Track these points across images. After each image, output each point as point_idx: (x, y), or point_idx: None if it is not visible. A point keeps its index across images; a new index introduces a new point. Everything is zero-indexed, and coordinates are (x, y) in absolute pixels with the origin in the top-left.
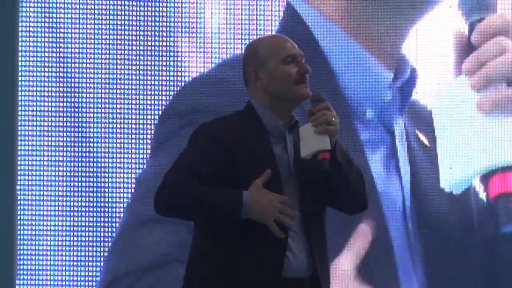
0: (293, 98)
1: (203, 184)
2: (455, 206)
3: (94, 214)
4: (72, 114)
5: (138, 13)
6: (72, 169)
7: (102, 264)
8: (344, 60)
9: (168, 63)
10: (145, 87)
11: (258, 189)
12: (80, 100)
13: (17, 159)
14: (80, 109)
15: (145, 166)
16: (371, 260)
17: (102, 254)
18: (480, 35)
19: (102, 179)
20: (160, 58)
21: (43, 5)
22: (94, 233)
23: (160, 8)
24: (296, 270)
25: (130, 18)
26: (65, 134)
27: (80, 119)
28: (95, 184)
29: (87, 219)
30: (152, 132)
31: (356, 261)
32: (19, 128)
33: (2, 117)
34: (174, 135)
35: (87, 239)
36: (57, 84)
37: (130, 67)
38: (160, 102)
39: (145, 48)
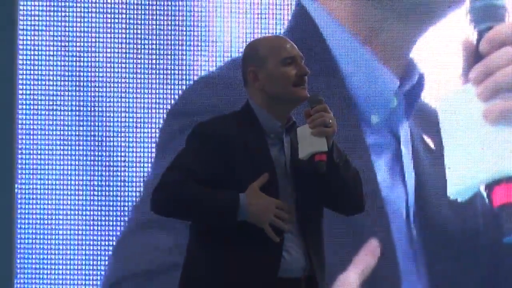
0: (291, 100)
1: (199, 185)
2: (459, 213)
3: (96, 213)
4: (74, 113)
5: (142, 12)
6: (75, 167)
7: (102, 265)
8: (352, 64)
9: (173, 61)
10: (149, 85)
11: (254, 192)
12: (83, 99)
13: (16, 158)
14: (82, 108)
15: (150, 166)
16: (376, 272)
17: (104, 254)
18: (488, 44)
19: (106, 178)
20: (165, 57)
21: (45, 3)
22: (95, 234)
23: (165, 7)
24: (292, 270)
25: (135, 17)
26: (66, 133)
27: (82, 118)
28: (97, 183)
29: (89, 217)
30: (157, 132)
31: (363, 277)
32: (19, 126)
33: (2, 117)
34: (179, 136)
35: (87, 238)
36: (59, 83)
37: (134, 65)
38: (164, 101)
39: (150, 47)
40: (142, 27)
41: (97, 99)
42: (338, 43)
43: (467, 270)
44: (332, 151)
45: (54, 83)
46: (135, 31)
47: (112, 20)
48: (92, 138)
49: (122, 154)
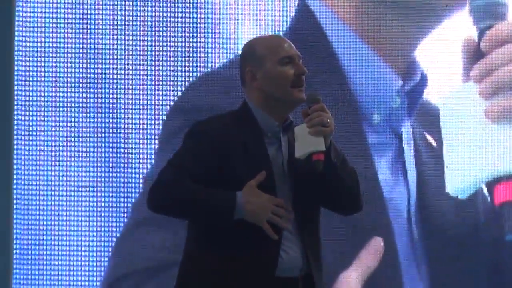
0: (288, 101)
1: (197, 183)
2: (461, 211)
3: (94, 212)
4: (73, 111)
5: (146, 9)
6: (73, 166)
7: (99, 264)
8: (355, 62)
9: (177, 59)
10: (152, 83)
11: (252, 190)
12: (81, 96)
13: (13, 158)
14: (81, 105)
15: (152, 163)
16: (377, 271)
17: (102, 255)
18: (489, 42)
19: (106, 179)
20: (168, 53)
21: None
22: (94, 233)
23: (167, 5)
24: (290, 270)
25: (138, 14)
26: (65, 132)
27: (79, 118)
28: (97, 182)
29: (87, 216)
30: (156, 131)
31: (364, 277)
32: (16, 126)
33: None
34: (180, 133)
35: (85, 235)
36: (57, 84)
37: (137, 61)
38: (164, 98)
39: (152, 45)
40: (145, 24)
41: (99, 97)
42: (341, 41)
43: (469, 268)
44: (330, 150)
45: (54, 83)
46: (137, 27)
47: (114, 17)
48: (90, 137)
49: (122, 152)
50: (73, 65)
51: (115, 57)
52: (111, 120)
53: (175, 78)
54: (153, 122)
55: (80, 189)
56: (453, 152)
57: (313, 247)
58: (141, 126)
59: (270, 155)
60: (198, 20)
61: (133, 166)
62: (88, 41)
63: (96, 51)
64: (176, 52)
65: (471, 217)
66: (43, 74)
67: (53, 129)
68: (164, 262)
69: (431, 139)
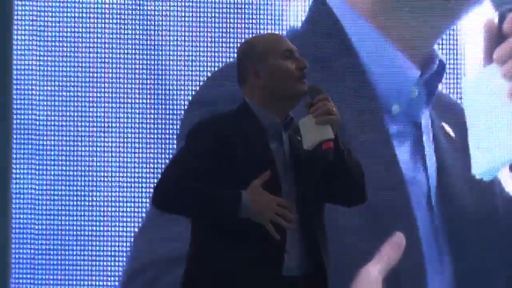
0: (293, 94)
1: (201, 182)
2: (480, 197)
3: (93, 213)
4: (72, 113)
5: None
6: (69, 168)
7: (100, 265)
8: (373, 54)
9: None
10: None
11: (256, 190)
12: (78, 96)
13: (12, 156)
14: (77, 107)
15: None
16: (400, 261)
17: (102, 255)
18: (511, 24)
19: (104, 179)
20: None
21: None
22: (93, 235)
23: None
24: (293, 269)
25: (138, 13)
26: (64, 133)
27: (77, 118)
28: (95, 184)
29: (87, 218)
30: (155, 131)
31: (386, 271)
32: (14, 127)
33: None
34: None
35: (85, 239)
36: (54, 83)
37: (139, 60)
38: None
39: (159, 43)
40: (145, 23)
41: (96, 98)
42: (358, 33)
43: (491, 255)
44: (338, 138)
45: (51, 83)
46: (136, 27)
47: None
48: (88, 137)
49: (122, 153)
50: (73, 66)
51: (120, 56)
52: (119, 115)
53: (183, 77)
54: (167, 118)
55: (77, 191)
56: (478, 135)
57: (318, 243)
58: (151, 124)
59: (273, 152)
60: (207, 15)
61: (141, 164)
62: (88, 39)
63: (96, 49)
64: (177, 51)
65: (490, 202)
66: (41, 76)
67: (51, 131)
68: (185, 253)
69: (449, 129)
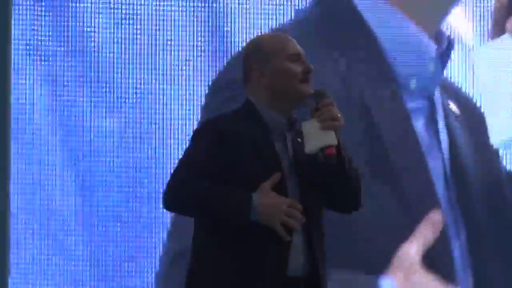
0: (296, 96)
1: (210, 182)
2: (487, 170)
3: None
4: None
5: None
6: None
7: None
8: (389, 30)
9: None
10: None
11: (266, 192)
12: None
13: (9, 158)
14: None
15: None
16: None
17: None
18: None
19: (104, 178)
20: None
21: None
22: (91, 234)
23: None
24: (296, 268)
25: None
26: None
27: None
28: (94, 183)
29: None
30: (154, 130)
31: (424, 250)
32: (12, 126)
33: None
34: (224, 108)
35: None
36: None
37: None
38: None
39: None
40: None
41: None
42: (374, 10)
43: (505, 228)
44: (340, 145)
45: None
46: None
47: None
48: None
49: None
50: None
51: (120, 56)
52: (122, 115)
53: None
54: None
55: (76, 190)
56: (492, 105)
57: (319, 244)
58: (155, 125)
59: (278, 154)
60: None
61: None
62: (86, 39)
63: (94, 49)
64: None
65: (497, 176)
66: (38, 75)
67: (48, 132)
68: None
69: (453, 105)
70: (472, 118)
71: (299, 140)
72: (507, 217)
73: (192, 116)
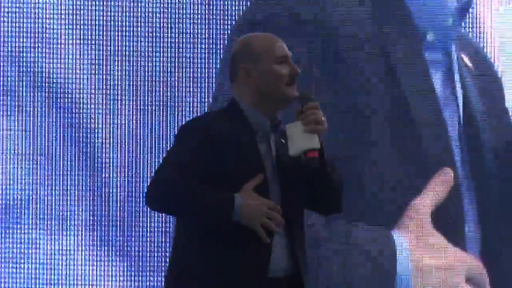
0: (282, 99)
1: (193, 181)
2: (499, 128)
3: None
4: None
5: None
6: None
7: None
8: None
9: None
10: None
11: (248, 193)
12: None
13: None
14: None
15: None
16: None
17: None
18: None
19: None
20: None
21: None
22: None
23: None
24: (277, 270)
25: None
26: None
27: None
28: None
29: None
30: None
31: (435, 205)
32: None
33: None
34: None
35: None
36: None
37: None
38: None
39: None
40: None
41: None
42: None
43: (509, 184)
44: (323, 148)
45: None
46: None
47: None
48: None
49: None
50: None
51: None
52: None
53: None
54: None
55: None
56: (509, 71)
57: (300, 245)
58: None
59: (261, 153)
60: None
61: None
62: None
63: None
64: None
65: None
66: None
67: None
68: None
69: (467, 60)
70: (484, 73)
71: (283, 141)
72: None
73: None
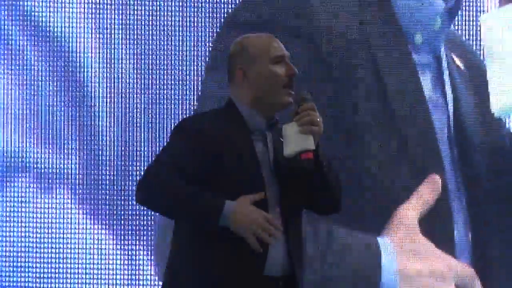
0: (276, 103)
1: (185, 182)
2: (490, 134)
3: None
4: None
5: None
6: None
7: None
8: None
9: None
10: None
11: (244, 204)
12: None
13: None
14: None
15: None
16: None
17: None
18: None
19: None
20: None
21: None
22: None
23: None
24: (274, 269)
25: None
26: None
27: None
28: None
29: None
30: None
31: (423, 211)
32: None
33: None
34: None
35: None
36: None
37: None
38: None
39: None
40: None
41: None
42: None
43: (504, 188)
44: (318, 150)
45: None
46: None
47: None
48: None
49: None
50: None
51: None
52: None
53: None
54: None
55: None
56: (496, 73)
57: (297, 244)
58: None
59: (257, 153)
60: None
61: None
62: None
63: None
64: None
65: (499, 139)
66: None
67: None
68: None
69: (459, 62)
70: (476, 74)
71: (281, 139)
72: (509, 180)
73: None
